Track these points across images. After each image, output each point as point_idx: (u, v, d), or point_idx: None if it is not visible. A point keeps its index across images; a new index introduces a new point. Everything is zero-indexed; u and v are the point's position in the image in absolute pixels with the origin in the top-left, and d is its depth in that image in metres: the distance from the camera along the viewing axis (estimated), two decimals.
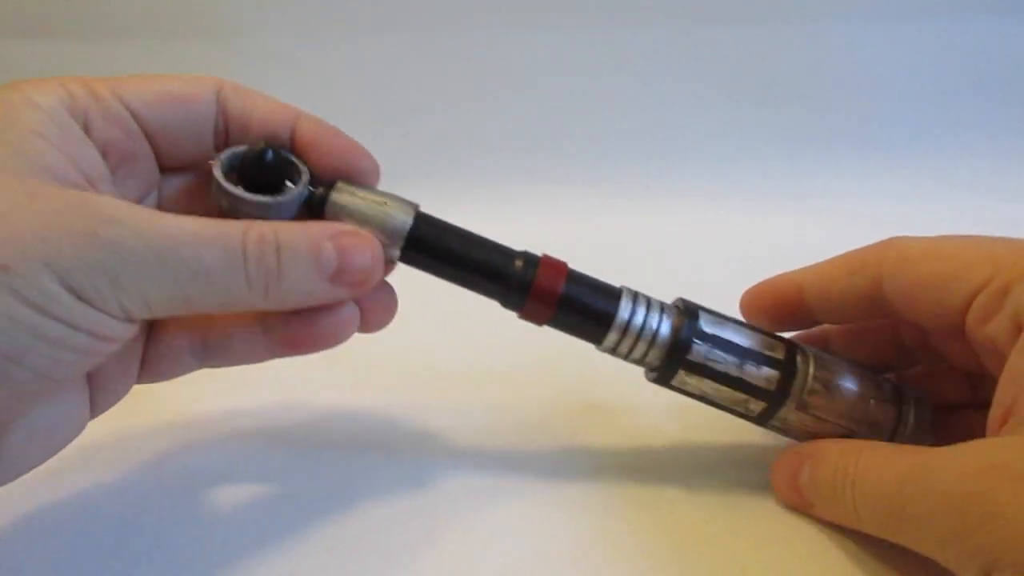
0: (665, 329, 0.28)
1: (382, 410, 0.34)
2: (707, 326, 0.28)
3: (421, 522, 0.28)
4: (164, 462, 0.31)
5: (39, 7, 0.52)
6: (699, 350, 0.28)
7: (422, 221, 0.26)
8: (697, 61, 0.58)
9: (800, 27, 0.58)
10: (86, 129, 0.24)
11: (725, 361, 0.28)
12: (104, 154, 0.24)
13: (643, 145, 0.57)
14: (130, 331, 0.22)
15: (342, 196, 0.25)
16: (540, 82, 0.57)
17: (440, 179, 0.52)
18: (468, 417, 0.34)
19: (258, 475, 0.30)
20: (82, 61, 0.53)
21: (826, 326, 0.32)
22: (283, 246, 0.23)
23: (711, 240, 0.51)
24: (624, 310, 0.27)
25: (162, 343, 0.27)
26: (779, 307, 0.30)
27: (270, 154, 0.25)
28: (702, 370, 0.28)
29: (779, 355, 0.28)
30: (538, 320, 0.28)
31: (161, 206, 0.27)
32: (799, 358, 0.29)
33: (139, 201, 0.26)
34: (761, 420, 0.29)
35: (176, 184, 0.27)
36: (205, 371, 0.28)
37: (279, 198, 0.25)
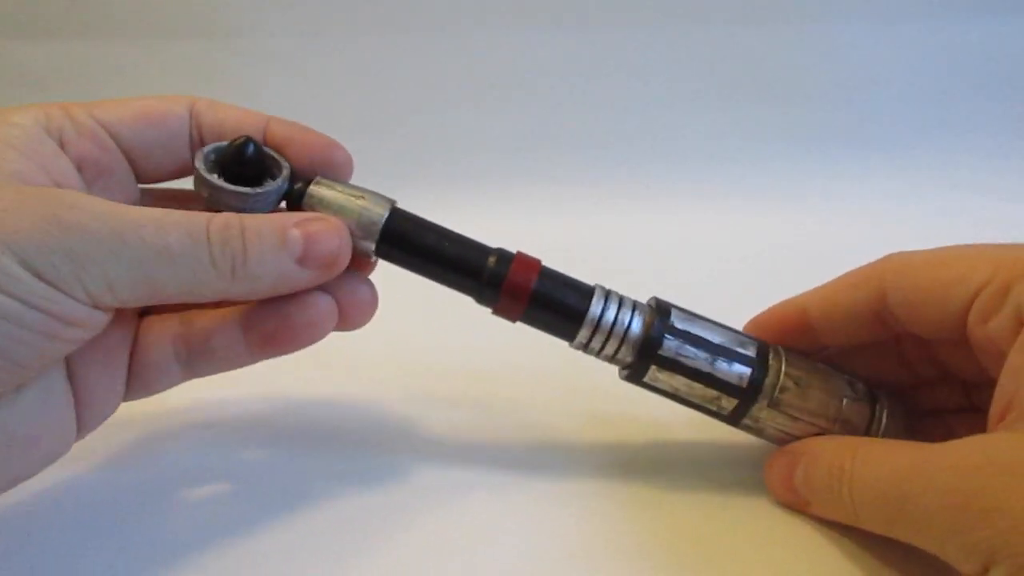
0: (636, 326, 0.28)
1: (381, 407, 0.34)
2: (679, 323, 0.28)
3: (413, 520, 0.28)
4: (141, 454, 0.31)
5: (39, 7, 0.52)
6: (670, 345, 0.28)
7: (398, 216, 0.27)
8: (697, 61, 0.58)
9: (800, 27, 0.58)
10: (61, 145, 0.25)
11: (696, 357, 0.28)
12: (79, 168, 0.25)
13: (643, 145, 0.57)
14: (97, 318, 0.22)
15: (320, 189, 0.26)
16: (540, 82, 0.57)
17: (440, 179, 0.52)
18: (462, 415, 0.34)
19: (260, 471, 0.30)
20: (82, 61, 0.53)
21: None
22: (248, 228, 0.24)
23: (711, 240, 0.51)
24: (596, 307, 0.28)
25: (146, 352, 0.27)
26: (784, 332, 0.30)
27: (251, 148, 0.25)
28: (673, 366, 0.28)
29: (751, 352, 0.29)
30: (511, 316, 0.28)
31: None
32: (771, 356, 0.29)
33: None
34: (734, 419, 0.29)
35: (155, 198, 0.28)
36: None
37: (258, 189, 0.25)
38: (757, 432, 0.30)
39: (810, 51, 0.59)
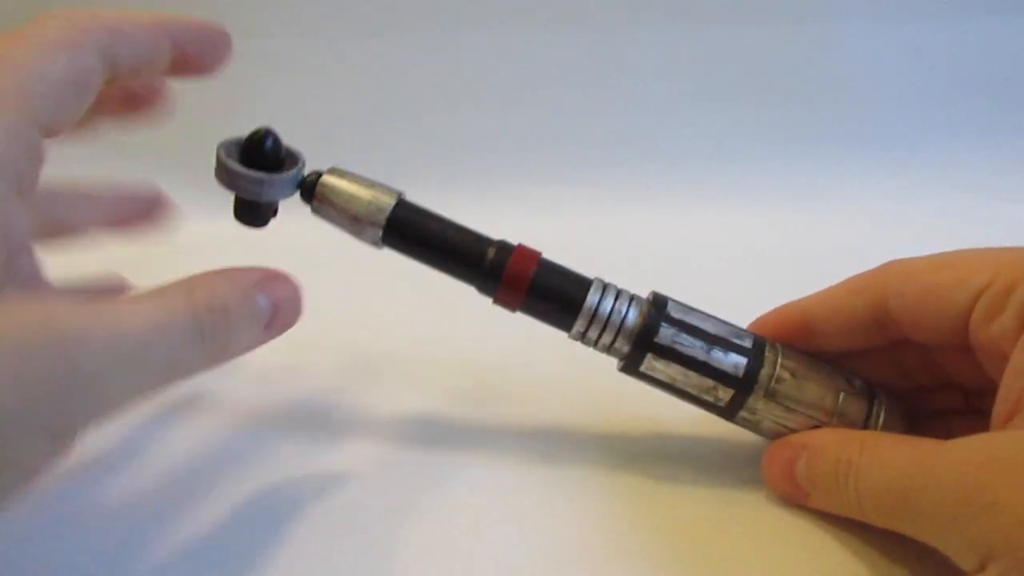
0: (633, 316, 0.28)
1: (378, 400, 0.34)
2: (675, 313, 0.29)
3: (408, 515, 0.28)
4: (136, 444, 0.31)
5: (39, 7, 0.52)
6: (666, 333, 0.28)
7: (404, 206, 0.28)
8: (697, 61, 0.58)
9: (800, 27, 0.58)
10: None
11: (692, 345, 0.28)
12: None
13: (643, 145, 0.57)
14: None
15: (332, 179, 0.27)
16: (540, 82, 0.57)
17: (440, 178, 0.52)
18: (460, 409, 0.34)
19: (255, 466, 0.30)
20: None
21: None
22: (230, 310, 0.23)
23: (711, 240, 0.51)
24: (593, 296, 0.28)
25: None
26: (785, 335, 0.30)
27: (270, 141, 0.26)
28: (669, 354, 0.28)
29: (747, 344, 0.29)
30: (510, 306, 0.29)
31: None
32: (767, 348, 0.29)
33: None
34: (731, 411, 0.29)
35: None
36: None
37: (274, 176, 0.26)
38: (754, 426, 0.30)
39: (810, 51, 0.59)
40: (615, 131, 0.57)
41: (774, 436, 0.30)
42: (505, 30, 0.56)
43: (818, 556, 0.27)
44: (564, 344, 0.29)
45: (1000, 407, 0.24)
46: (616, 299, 0.29)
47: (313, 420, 0.33)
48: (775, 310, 0.31)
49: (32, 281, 0.22)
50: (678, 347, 0.28)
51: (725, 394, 0.29)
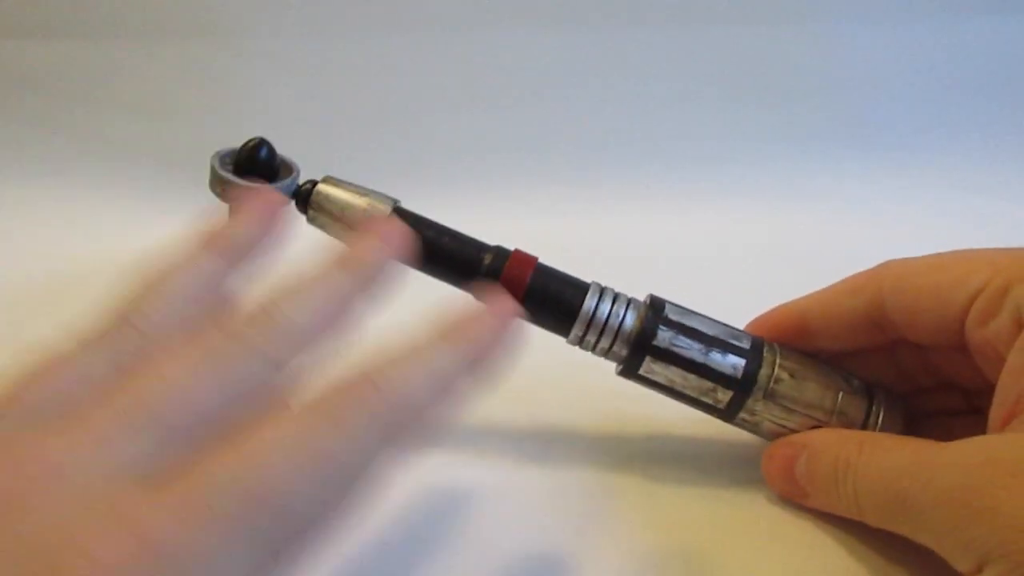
0: (630, 319, 0.28)
1: None
2: (673, 315, 0.29)
3: (413, 513, 0.28)
4: None
5: (39, 7, 0.53)
6: (664, 336, 0.28)
7: (399, 213, 0.28)
8: (697, 61, 0.58)
9: (800, 27, 0.58)
10: None
11: (690, 347, 0.28)
12: None
13: (642, 145, 0.57)
14: None
15: (327, 187, 0.28)
16: (540, 82, 0.57)
17: (440, 179, 0.52)
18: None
19: None
20: (82, 61, 0.53)
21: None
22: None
23: (710, 240, 0.51)
24: (590, 301, 0.28)
25: None
26: (782, 335, 0.30)
27: (264, 150, 0.27)
28: (668, 356, 0.28)
29: (745, 345, 0.29)
30: None
31: None
32: (765, 349, 0.29)
33: None
34: (730, 413, 0.29)
35: None
36: None
37: (268, 185, 0.27)
38: (753, 427, 0.30)
39: (810, 51, 0.59)
40: (615, 131, 0.57)
41: (774, 437, 0.30)
42: (505, 30, 0.56)
43: (818, 556, 0.27)
44: (561, 350, 0.29)
45: (997, 409, 0.24)
46: (614, 303, 0.29)
47: None
48: (772, 310, 0.31)
49: None
50: (676, 349, 0.28)
51: (724, 396, 0.29)
